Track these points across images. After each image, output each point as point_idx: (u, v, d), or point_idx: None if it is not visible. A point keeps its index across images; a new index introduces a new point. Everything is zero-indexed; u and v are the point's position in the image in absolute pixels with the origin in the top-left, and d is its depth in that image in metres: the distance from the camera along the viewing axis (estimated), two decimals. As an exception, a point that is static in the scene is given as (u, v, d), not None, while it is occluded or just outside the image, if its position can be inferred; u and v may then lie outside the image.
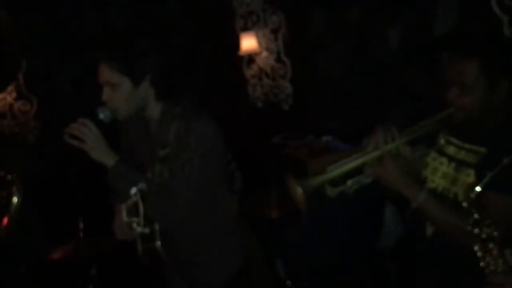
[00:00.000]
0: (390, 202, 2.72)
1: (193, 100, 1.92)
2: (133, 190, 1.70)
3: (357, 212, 2.73)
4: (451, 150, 1.69)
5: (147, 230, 1.76)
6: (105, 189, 1.91)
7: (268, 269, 2.35)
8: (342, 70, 3.76)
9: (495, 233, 1.31)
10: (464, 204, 1.32)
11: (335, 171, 1.60)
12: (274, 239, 2.98)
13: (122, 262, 2.75)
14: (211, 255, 1.98)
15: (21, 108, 4.28)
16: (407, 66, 3.29)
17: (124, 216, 1.73)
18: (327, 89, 3.89)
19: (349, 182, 1.63)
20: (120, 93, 1.77)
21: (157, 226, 1.83)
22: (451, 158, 1.68)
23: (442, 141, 1.69)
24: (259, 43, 4.23)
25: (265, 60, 4.32)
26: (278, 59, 4.24)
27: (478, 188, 1.29)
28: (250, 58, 4.42)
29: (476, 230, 1.32)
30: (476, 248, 1.33)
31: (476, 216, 1.31)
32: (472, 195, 1.29)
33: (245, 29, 4.31)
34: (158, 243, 1.85)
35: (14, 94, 4.24)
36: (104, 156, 1.77)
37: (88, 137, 1.74)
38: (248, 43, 4.18)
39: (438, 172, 1.69)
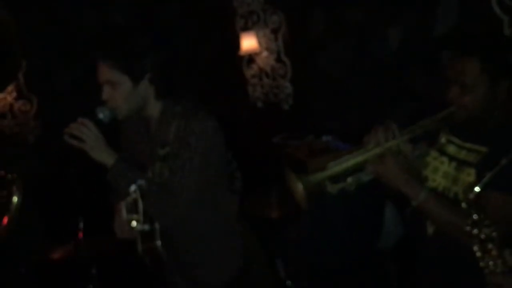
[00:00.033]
0: (390, 201, 2.72)
1: (193, 99, 1.92)
2: (133, 187, 1.70)
3: (357, 212, 2.74)
4: (451, 149, 1.69)
5: (146, 227, 1.76)
6: (105, 189, 1.91)
7: (268, 269, 2.35)
8: (342, 70, 3.76)
9: (494, 234, 1.31)
10: (463, 205, 1.32)
11: (335, 168, 1.60)
12: (274, 239, 2.98)
13: (122, 262, 2.76)
14: (211, 255, 1.98)
15: (21, 108, 4.28)
16: (407, 66, 3.29)
17: (124, 214, 1.73)
18: (327, 89, 3.89)
19: (349, 179, 1.63)
20: (120, 91, 1.78)
21: (157, 225, 1.83)
22: (451, 158, 1.68)
23: (443, 140, 1.69)
24: (259, 43, 4.23)
25: (265, 60, 4.32)
26: (278, 59, 4.24)
27: (477, 189, 1.29)
28: (250, 58, 4.42)
29: (475, 231, 1.32)
30: (475, 248, 1.33)
31: (475, 216, 1.31)
32: (471, 196, 1.29)
33: (245, 29, 4.31)
34: (159, 242, 1.85)
35: (14, 94, 4.23)
36: (104, 155, 1.77)
37: (87, 137, 1.74)
38: (248, 43, 4.18)
39: (439, 172, 1.69)
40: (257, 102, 4.55)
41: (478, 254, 1.33)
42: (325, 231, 2.81)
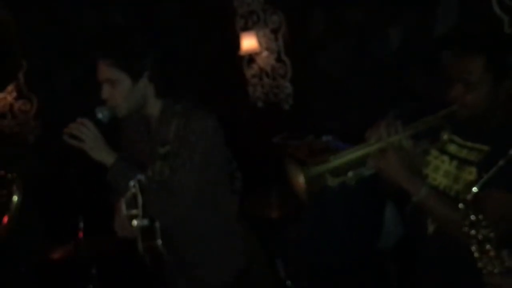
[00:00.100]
0: (391, 201, 2.72)
1: (193, 99, 1.92)
2: (132, 182, 1.71)
3: (357, 212, 2.74)
4: (452, 148, 1.69)
5: (145, 222, 1.75)
6: (105, 188, 1.91)
7: (268, 269, 2.35)
8: (342, 70, 3.76)
9: (491, 235, 1.31)
10: (461, 206, 1.32)
11: (337, 160, 1.60)
12: (274, 239, 2.98)
13: (122, 262, 2.75)
14: (211, 255, 1.98)
15: (21, 108, 4.27)
16: (407, 66, 3.29)
17: (124, 210, 1.73)
18: (327, 89, 3.89)
19: (350, 173, 1.63)
20: (120, 90, 1.78)
21: (157, 224, 1.83)
22: (452, 156, 1.68)
23: (445, 137, 1.69)
24: (260, 43, 4.23)
25: (265, 60, 4.32)
26: (279, 59, 4.24)
27: (474, 189, 1.29)
28: (251, 58, 4.42)
29: (473, 232, 1.32)
30: (473, 249, 1.33)
31: (472, 217, 1.31)
32: (468, 197, 1.29)
33: (246, 28, 4.31)
34: (159, 241, 1.85)
35: (14, 94, 4.23)
36: (103, 155, 1.78)
37: (87, 137, 1.74)
38: (249, 42, 4.18)
39: (440, 171, 1.69)
40: (257, 102, 4.55)
41: (476, 254, 1.33)
42: (325, 231, 2.82)
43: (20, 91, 4.24)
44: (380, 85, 3.45)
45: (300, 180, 1.58)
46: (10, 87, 4.18)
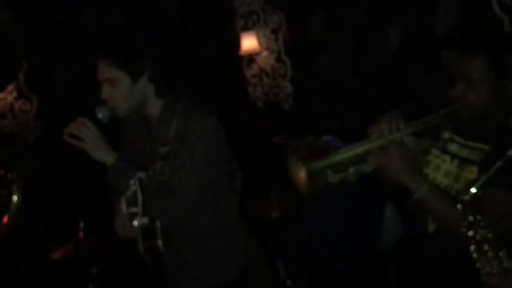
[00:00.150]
0: (390, 200, 2.72)
1: (193, 99, 1.92)
2: (132, 181, 1.71)
3: (357, 212, 2.74)
4: (453, 147, 1.69)
5: (145, 220, 1.76)
6: (105, 188, 1.91)
7: (268, 269, 2.35)
8: (342, 70, 3.76)
9: (489, 235, 1.31)
10: (459, 206, 1.32)
11: (339, 156, 1.60)
12: (274, 239, 2.98)
13: (122, 262, 2.75)
14: (212, 255, 1.97)
15: (22, 108, 4.27)
16: (407, 66, 3.29)
17: (124, 209, 1.73)
18: (327, 89, 3.89)
19: (351, 169, 1.63)
20: (120, 89, 1.78)
21: (158, 224, 1.83)
22: (453, 156, 1.68)
23: (446, 135, 1.69)
24: (260, 42, 4.23)
25: (265, 60, 4.32)
26: (279, 59, 4.24)
27: (473, 190, 1.28)
28: (251, 57, 4.42)
29: (471, 233, 1.31)
30: (471, 249, 1.33)
31: (470, 218, 1.31)
32: (466, 198, 1.29)
33: (246, 28, 4.31)
34: (160, 242, 1.85)
35: (14, 94, 4.23)
36: (103, 155, 1.78)
37: (87, 137, 1.74)
38: (249, 42, 4.18)
39: (441, 170, 1.69)
40: (257, 102, 4.55)
41: (475, 255, 1.33)
42: (325, 231, 2.81)
43: (20, 91, 4.24)
44: (380, 85, 3.45)
45: (302, 175, 1.58)
46: (10, 87, 4.18)
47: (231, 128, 1.96)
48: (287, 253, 3.01)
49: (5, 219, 2.20)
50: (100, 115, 1.80)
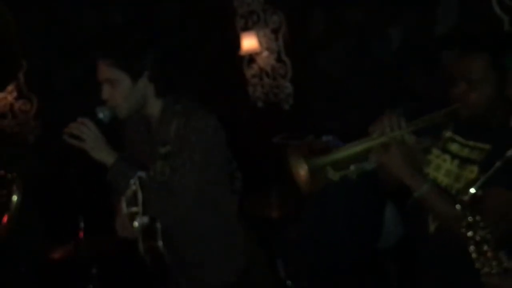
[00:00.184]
0: (390, 200, 2.72)
1: (193, 99, 1.92)
2: (132, 180, 1.71)
3: (358, 212, 2.74)
4: (454, 147, 1.69)
5: (146, 220, 1.76)
6: (105, 188, 1.91)
7: (268, 269, 2.35)
8: (342, 70, 3.76)
9: (489, 236, 1.31)
10: (458, 207, 1.31)
11: (340, 153, 1.60)
12: (274, 239, 2.98)
13: (122, 262, 2.75)
14: (212, 255, 1.97)
15: (22, 108, 4.27)
16: (407, 66, 3.29)
17: (124, 208, 1.73)
18: (327, 89, 3.89)
19: (352, 167, 1.63)
20: (120, 90, 1.78)
21: (159, 225, 1.83)
22: (454, 155, 1.68)
23: (447, 134, 1.69)
24: (260, 42, 4.23)
25: (265, 59, 4.32)
26: (279, 59, 4.24)
27: (472, 190, 1.28)
28: (251, 57, 4.42)
29: (470, 233, 1.31)
30: (471, 249, 1.33)
31: (470, 219, 1.30)
32: (465, 198, 1.29)
33: (246, 28, 4.31)
34: (160, 242, 1.85)
35: (14, 94, 4.23)
36: (104, 155, 1.78)
37: (88, 137, 1.74)
38: (249, 42, 4.18)
39: (441, 169, 1.69)
40: (257, 102, 4.54)
41: (474, 255, 1.33)
42: (325, 231, 2.81)
43: (20, 91, 4.24)
44: (380, 85, 3.45)
45: (303, 171, 1.57)
46: (10, 87, 4.18)
47: (231, 128, 1.96)
48: (287, 253, 3.02)
49: (5, 219, 2.20)
50: (101, 115, 1.80)
